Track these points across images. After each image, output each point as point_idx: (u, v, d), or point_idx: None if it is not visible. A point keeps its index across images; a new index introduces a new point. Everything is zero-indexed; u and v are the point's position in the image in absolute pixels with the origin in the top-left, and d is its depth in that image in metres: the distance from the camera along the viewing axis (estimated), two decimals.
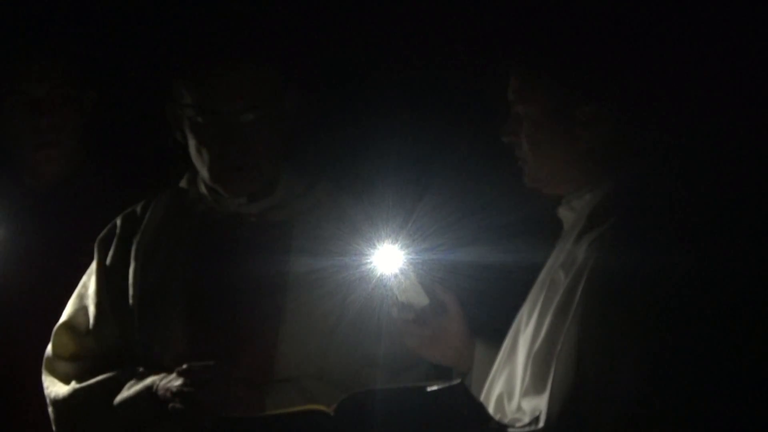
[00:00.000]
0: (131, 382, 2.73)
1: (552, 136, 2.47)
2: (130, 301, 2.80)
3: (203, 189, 2.84)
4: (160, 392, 2.67)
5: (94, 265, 2.88)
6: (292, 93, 2.80)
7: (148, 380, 2.70)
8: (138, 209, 2.90)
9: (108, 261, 2.86)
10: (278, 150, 2.80)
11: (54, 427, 2.83)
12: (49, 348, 2.87)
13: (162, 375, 2.69)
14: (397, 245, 2.61)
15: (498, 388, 2.51)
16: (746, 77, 2.68)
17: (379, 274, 2.61)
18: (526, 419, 2.37)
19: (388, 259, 2.60)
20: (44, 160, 3.20)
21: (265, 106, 2.73)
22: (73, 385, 2.79)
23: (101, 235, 2.90)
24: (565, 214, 2.53)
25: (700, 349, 2.30)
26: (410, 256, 2.60)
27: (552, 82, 2.46)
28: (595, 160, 2.46)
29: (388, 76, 3.18)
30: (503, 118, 2.52)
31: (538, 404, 2.35)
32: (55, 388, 2.82)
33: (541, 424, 2.33)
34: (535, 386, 2.38)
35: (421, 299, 2.65)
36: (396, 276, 2.61)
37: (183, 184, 2.89)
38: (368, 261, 2.61)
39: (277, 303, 2.74)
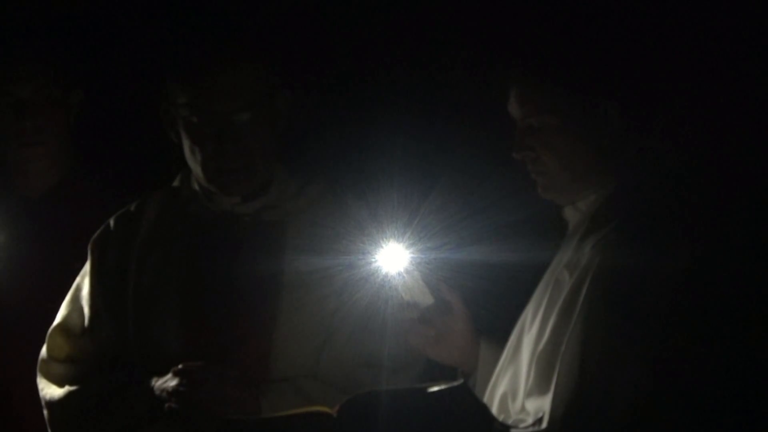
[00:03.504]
0: (126, 382, 2.71)
1: (575, 139, 2.46)
2: (125, 301, 2.78)
3: (197, 188, 2.83)
4: (156, 392, 2.65)
5: (87, 266, 2.86)
6: (286, 93, 2.80)
7: (144, 381, 2.68)
8: (132, 209, 2.89)
9: (102, 261, 2.84)
10: (272, 150, 2.79)
11: (49, 429, 2.80)
12: (44, 350, 2.84)
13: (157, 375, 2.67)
14: (402, 244, 2.61)
15: (502, 387, 2.51)
16: (749, 78, 2.70)
17: (384, 273, 2.61)
18: (530, 420, 2.37)
19: (393, 258, 2.61)
20: (28, 159, 3.17)
21: (260, 106, 2.73)
22: (68, 387, 2.77)
23: (95, 235, 2.88)
24: (570, 214, 2.54)
25: (703, 350, 2.32)
26: (415, 255, 2.61)
27: (572, 86, 2.44)
28: (606, 160, 2.47)
29: (395, 76, 3.18)
30: (510, 122, 2.52)
31: (542, 405, 2.36)
32: (49, 390, 2.80)
33: (544, 424, 2.33)
34: (539, 386, 2.38)
35: (426, 298, 2.65)
36: (401, 275, 2.61)
37: (176, 183, 2.88)
38: (373, 260, 2.61)
39: (273, 302, 2.72)
